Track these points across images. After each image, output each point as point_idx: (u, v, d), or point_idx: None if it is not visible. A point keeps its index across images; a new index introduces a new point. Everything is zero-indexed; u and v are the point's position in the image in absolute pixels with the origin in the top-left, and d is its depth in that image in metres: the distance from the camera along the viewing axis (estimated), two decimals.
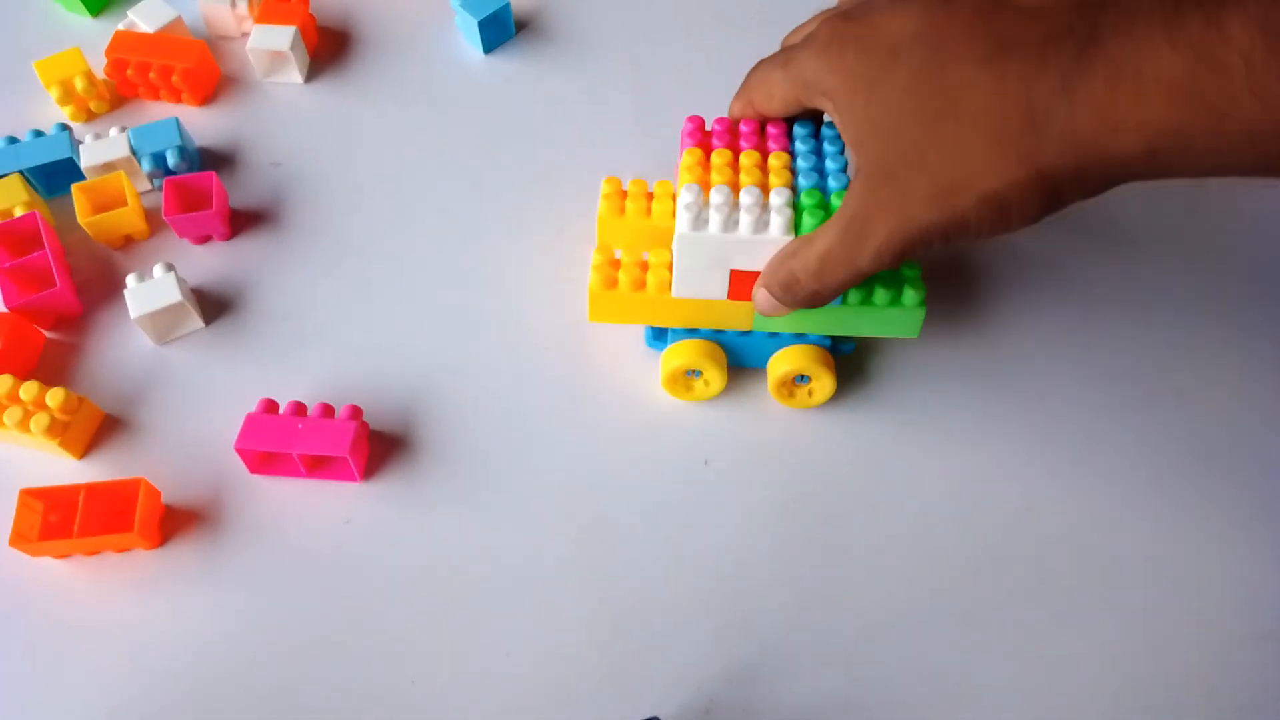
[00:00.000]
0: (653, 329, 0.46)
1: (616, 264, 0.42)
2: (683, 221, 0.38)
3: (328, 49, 0.58)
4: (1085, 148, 0.31)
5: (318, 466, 0.44)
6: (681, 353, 0.44)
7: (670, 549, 0.42)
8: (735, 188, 0.38)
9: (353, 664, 0.40)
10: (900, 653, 0.40)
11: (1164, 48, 0.29)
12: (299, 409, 0.44)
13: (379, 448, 0.45)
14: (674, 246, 0.39)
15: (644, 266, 0.42)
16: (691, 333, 0.44)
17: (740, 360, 0.45)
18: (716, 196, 0.38)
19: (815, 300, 0.38)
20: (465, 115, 0.55)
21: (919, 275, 0.41)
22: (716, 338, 0.44)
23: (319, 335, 0.48)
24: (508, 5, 0.56)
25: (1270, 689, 0.39)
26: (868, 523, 0.43)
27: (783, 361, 0.43)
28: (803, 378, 0.44)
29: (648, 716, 0.38)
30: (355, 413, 0.44)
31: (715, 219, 0.38)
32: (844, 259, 0.36)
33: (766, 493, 0.43)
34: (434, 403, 0.46)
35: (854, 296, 0.41)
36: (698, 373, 0.44)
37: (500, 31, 0.57)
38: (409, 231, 0.51)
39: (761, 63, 0.40)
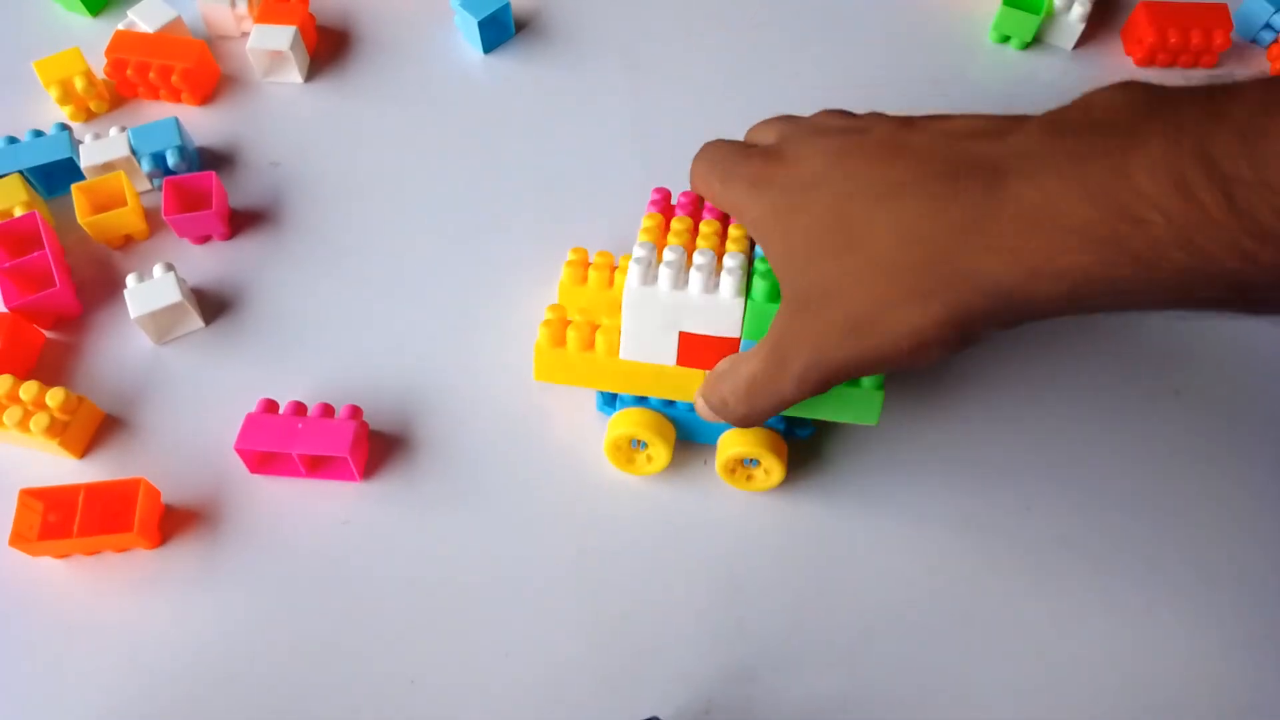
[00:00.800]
0: (603, 393, 0.44)
1: (568, 323, 0.40)
2: (633, 275, 0.37)
3: (327, 49, 0.58)
4: (1000, 292, 0.30)
5: (317, 466, 0.44)
6: (627, 420, 0.41)
7: (669, 549, 0.42)
8: (690, 250, 0.37)
9: (352, 664, 0.40)
10: (899, 653, 0.40)
11: (1074, 196, 0.28)
12: (299, 409, 0.44)
13: (378, 448, 0.45)
14: (623, 302, 0.38)
15: (594, 328, 0.40)
16: (642, 401, 0.42)
17: (691, 436, 0.43)
18: (670, 254, 0.37)
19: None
20: (465, 115, 0.55)
21: None
22: (667, 411, 0.42)
23: (319, 335, 0.48)
24: (507, 5, 0.56)
25: (1270, 689, 0.39)
26: (866, 523, 0.43)
27: (732, 443, 0.41)
28: (752, 460, 0.42)
29: (647, 717, 0.38)
30: (355, 413, 0.44)
31: (665, 274, 0.37)
32: (769, 387, 0.35)
33: (764, 494, 0.43)
34: (433, 403, 0.46)
35: None
36: (643, 444, 0.42)
37: (500, 31, 0.57)
38: (408, 231, 0.51)
39: (702, 157, 0.38)
